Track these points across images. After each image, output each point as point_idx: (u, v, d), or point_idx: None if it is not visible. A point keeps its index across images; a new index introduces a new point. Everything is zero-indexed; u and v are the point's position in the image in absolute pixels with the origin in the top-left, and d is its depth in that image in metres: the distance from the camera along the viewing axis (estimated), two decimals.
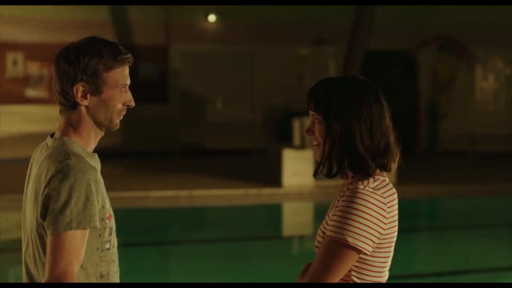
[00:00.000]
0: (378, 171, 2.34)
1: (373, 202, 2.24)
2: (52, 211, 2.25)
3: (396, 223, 2.32)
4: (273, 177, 12.20)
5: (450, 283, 7.04)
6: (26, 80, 15.49)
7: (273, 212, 11.70)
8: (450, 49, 17.33)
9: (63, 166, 2.28)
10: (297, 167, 12.00)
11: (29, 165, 2.50)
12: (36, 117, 15.10)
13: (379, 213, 2.24)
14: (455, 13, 16.42)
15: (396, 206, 2.31)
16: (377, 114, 2.32)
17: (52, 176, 2.27)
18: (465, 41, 17.10)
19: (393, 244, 2.34)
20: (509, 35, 16.91)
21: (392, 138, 2.36)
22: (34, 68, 15.51)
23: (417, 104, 17.30)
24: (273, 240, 9.51)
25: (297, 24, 16.57)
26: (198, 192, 11.55)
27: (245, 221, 10.62)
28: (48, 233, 2.27)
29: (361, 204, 2.23)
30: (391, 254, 2.34)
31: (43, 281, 2.29)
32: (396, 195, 2.32)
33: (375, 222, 2.23)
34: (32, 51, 15.43)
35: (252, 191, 11.71)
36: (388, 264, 2.35)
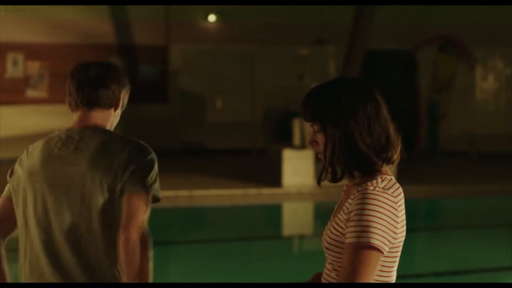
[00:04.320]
0: (384, 166, 2.33)
1: (385, 202, 2.23)
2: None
3: (405, 222, 2.31)
4: (273, 177, 12.19)
5: (450, 283, 7.04)
6: (26, 80, 15.48)
7: (273, 212, 11.69)
8: (450, 49, 17.32)
9: (149, 157, 2.59)
10: (297, 167, 11.99)
11: (42, 157, 2.60)
12: (36, 117, 15.09)
13: (392, 213, 2.23)
14: (455, 13, 16.42)
15: (404, 206, 2.30)
16: (373, 111, 2.31)
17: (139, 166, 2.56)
18: (465, 41, 17.10)
19: (402, 244, 2.33)
20: (509, 35, 16.91)
21: (392, 129, 2.35)
22: (34, 68, 15.50)
23: (417, 104, 17.30)
24: (273, 240, 9.51)
25: (297, 24, 16.56)
26: (198, 192, 11.54)
27: (245, 221, 10.62)
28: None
29: (374, 205, 2.22)
30: (399, 254, 2.34)
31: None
32: (403, 195, 2.31)
33: (389, 222, 2.22)
34: (32, 51, 15.43)
35: (252, 191, 11.71)
36: (397, 264, 2.34)
